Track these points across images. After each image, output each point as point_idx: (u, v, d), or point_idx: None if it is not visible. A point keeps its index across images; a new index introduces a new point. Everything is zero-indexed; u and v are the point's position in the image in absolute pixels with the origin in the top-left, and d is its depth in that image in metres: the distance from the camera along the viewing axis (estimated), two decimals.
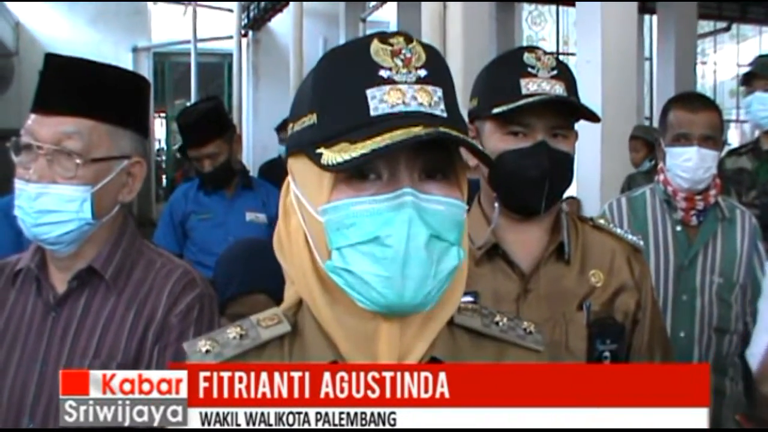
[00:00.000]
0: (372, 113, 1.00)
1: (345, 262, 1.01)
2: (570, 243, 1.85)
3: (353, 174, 1.01)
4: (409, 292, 0.99)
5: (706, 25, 13.37)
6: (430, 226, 0.99)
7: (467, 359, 1.12)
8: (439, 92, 1.03)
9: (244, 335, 1.12)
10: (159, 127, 14.74)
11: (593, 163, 4.98)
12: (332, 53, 1.09)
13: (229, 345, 1.12)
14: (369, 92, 1.01)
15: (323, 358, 1.07)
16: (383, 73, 1.02)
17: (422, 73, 1.03)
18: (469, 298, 1.22)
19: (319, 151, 1.00)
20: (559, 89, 1.77)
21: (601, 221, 1.95)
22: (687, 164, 2.68)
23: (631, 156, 5.90)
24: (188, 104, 10.92)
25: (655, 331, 1.92)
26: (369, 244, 0.99)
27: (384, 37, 1.05)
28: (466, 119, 1.88)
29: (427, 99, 1.01)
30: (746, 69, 3.93)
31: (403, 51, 1.03)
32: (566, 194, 1.94)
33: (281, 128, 7.03)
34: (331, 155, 0.98)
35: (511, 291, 1.81)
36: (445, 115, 1.02)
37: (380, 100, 1.01)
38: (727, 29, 13.81)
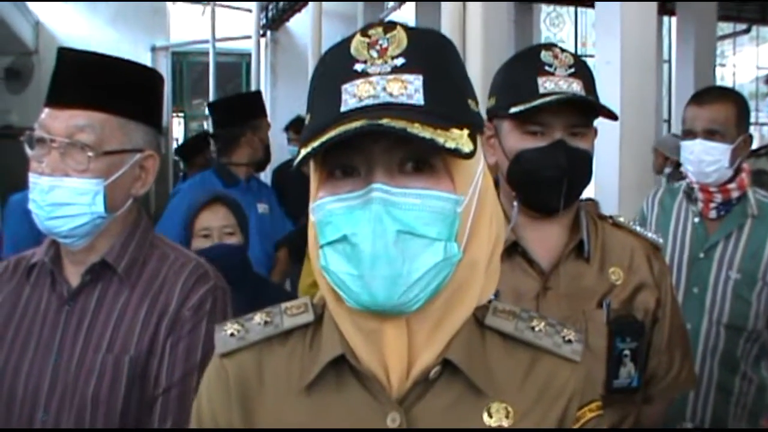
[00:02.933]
0: (342, 109, 0.99)
1: (326, 261, 1.01)
2: (589, 241, 1.84)
3: (333, 172, 1.01)
4: (380, 291, 0.97)
5: (725, 27, 13.28)
6: (401, 222, 0.96)
7: (497, 363, 1.09)
8: (419, 79, 0.99)
9: (268, 322, 1.15)
10: (177, 126, 14.74)
11: (612, 165, 4.94)
12: (324, 53, 1.08)
13: (253, 330, 1.14)
14: (343, 88, 1.00)
15: (333, 351, 1.06)
16: (358, 67, 1.00)
17: (399, 61, 1.00)
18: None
19: (300, 150, 1.00)
20: (576, 87, 1.76)
21: (621, 219, 1.94)
22: (691, 157, 2.70)
23: None
24: (206, 103, 10.89)
25: (674, 329, 1.91)
26: (341, 243, 0.99)
27: (366, 29, 1.03)
28: (485, 117, 1.87)
29: (399, 89, 0.98)
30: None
31: (380, 41, 1.01)
32: (584, 195, 1.93)
33: (288, 128, 7.03)
34: (301, 154, 0.98)
35: (531, 289, 1.80)
36: (421, 103, 0.98)
37: (352, 95, 0.99)
38: (747, 31, 13.71)
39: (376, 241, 0.95)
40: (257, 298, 2.26)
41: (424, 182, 0.99)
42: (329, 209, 1.00)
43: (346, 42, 1.03)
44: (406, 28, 1.03)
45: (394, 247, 0.96)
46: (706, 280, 2.71)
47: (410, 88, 0.98)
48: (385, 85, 0.98)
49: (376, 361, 1.04)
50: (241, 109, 4.05)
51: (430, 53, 1.03)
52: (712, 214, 2.75)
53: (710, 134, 2.67)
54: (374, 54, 1.00)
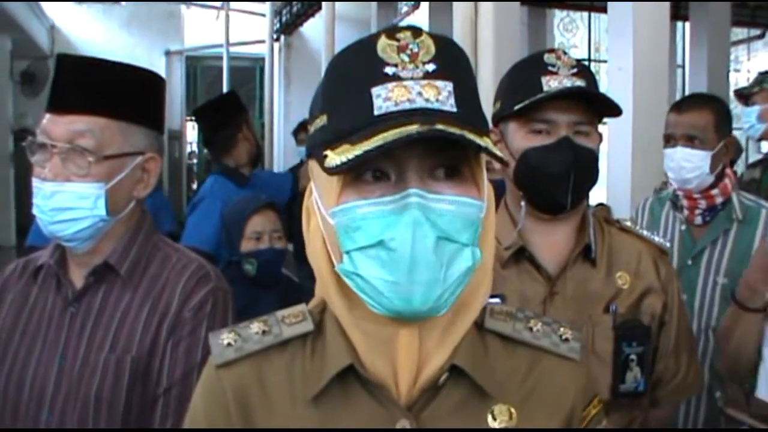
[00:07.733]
0: (376, 112, 0.96)
1: (354, 266, 0.98)
2: (596, 245, 1.84)
3: (361, 175, 0.99)
4: (417, 296, 0.95)
5: (740, 32, 13.25)
6: (438, 228, 0.95)
7: (499, 366, 1.09)
8: (450, 86, 0.98)
9: (267, 331, 1.12)
10: (191, 130, 14.79)
11: (624, 171, 4.93)
12: (341, 52, 1.05)
13: (251, 340, 1.11)
14: (374, 91, 0.97)
15: (341, 362, 1.04)
16: (389, 70, 0.98)
17: (430, 67, 0.98)
18: (496, 300, 1.20)
19: (325, 153, 0.97)
20: (579, 84, 1.77)
21: (628, 223, 1.94)
22: (671, 164, 2.72)
23: None
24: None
25: (681, 333, 1.91)
26: (375, 248, 0.96)
27: (391, 32, 1.01)
28: (491, 123, 1.87)
29: (434, 94, 0.96)
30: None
31: (410, 46, 0.99)
32: (596, 201, 1.93)
33: (297, 131, 7.05)
34: (333, 157, 0.95)
35: (538, 293, 1.80)
36: (454, 109, 0.97)
37: (385, 99, 0.96)
38: (761, 36, 13.68)
39: (416, 246, 0.94)
40: (286, 298, 2.29)
41: (455, 189, 0.99)
42: (360, 213, 0.97)
43: (369, 44, 1.01)
44: (430, 34, 1.02)
45: (433, 252, 0.95)
46: (695, 286, 2.73)
47: (443, 94, 0.97)
48: (420, 90, 0.97)
49: (385, 369, 1.04)
50: (229, 108, 4.05)
51: (457, 60, 1.02)
52: (698, 220, 2.78)
53: (689, 140, 2.69)
54: (405, 58, 0.98)
